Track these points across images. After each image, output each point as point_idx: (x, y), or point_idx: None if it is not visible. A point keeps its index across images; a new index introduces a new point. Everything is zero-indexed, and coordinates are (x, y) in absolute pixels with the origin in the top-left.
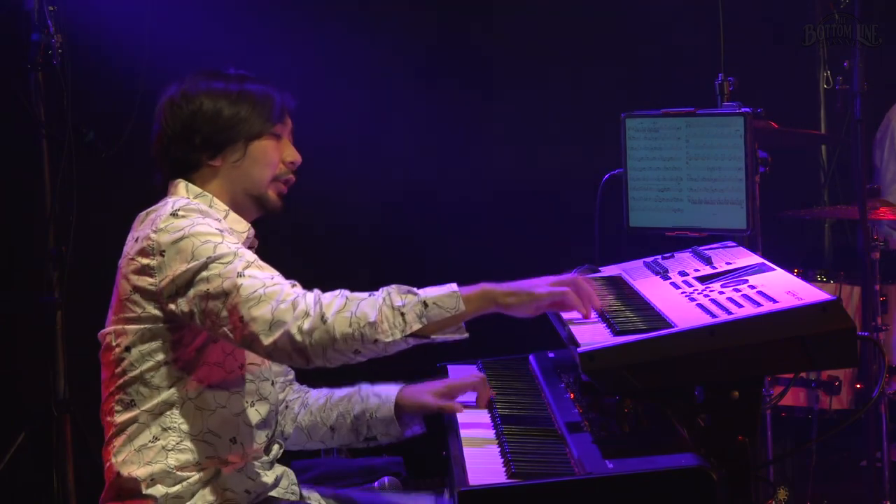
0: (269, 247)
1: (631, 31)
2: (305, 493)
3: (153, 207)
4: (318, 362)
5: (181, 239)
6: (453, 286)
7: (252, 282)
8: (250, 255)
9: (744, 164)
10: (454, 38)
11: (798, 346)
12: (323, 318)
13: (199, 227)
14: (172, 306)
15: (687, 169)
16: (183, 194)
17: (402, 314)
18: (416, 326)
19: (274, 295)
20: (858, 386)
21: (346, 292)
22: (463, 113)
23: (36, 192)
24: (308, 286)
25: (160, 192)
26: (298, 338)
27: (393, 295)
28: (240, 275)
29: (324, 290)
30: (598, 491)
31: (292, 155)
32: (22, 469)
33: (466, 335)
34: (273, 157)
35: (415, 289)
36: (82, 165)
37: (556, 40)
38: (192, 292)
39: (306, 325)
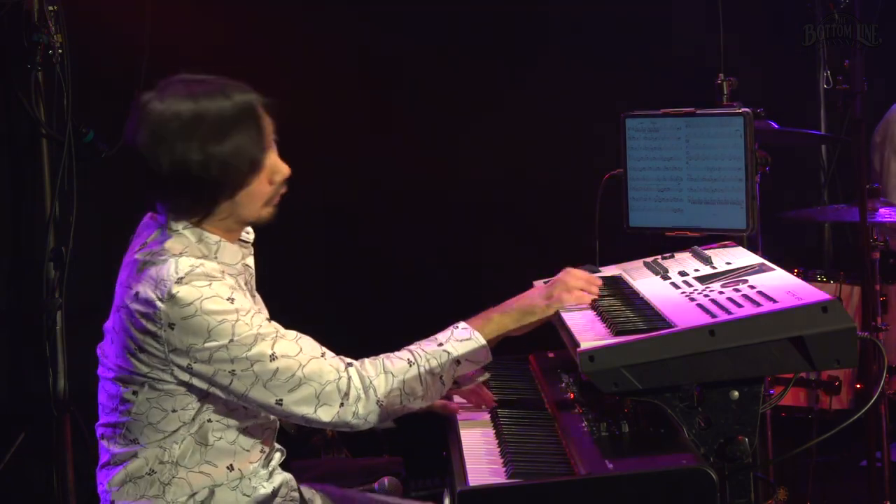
0: (267, 248)
1: (631, 31)
2: (306, 492)
3: (149, 257)
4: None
5: (193, 316)
6: (480, 338)
7: (287, 363)
8: (270, 327)
9: (744, 164)
10: (453, 39)
11: (798, 346)
12: (378, 403)
13: (210, 304)
14: (184, 376)
15: (687, 169)
16: (173, 227)
17: (441, 377)
18: (451, 384)
19: (313, 376)
20: (858, 386)
21: (387, 363)
22: (462, 113)
23: (36, 192)
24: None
25: (149, 208)
26: (353, 421)
27: (429, 359)
28: (272, 357)
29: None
30: (598, 491)
31: (281, 173)
32: (22, 469)
33: (488, 376)
34: (264, 191)
35: (442, 342)
36: (82, 165)
37: (556, 40)
38: (210, 369)
39: (361, 410)
